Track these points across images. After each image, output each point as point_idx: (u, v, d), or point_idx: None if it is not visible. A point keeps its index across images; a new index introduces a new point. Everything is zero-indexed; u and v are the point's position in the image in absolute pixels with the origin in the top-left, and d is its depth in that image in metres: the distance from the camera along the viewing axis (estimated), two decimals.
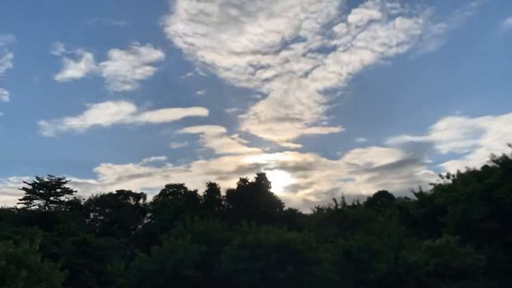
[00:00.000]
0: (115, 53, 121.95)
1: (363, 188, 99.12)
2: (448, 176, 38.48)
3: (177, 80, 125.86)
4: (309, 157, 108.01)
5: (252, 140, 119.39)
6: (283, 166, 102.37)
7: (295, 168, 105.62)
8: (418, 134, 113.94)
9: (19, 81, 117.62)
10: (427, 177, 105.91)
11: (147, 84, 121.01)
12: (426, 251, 27.99)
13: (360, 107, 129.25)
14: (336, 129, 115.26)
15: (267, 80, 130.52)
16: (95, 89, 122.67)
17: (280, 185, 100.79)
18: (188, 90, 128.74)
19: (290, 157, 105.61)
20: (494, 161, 35.14)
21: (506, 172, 33.15)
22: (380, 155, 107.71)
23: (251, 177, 55.39)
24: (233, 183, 56.51)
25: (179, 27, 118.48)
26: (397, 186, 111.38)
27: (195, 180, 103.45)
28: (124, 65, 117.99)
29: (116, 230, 55.30)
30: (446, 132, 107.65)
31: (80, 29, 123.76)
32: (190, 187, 62.18)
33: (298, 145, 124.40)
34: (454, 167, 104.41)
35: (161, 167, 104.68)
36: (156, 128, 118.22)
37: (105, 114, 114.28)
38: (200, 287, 28.09)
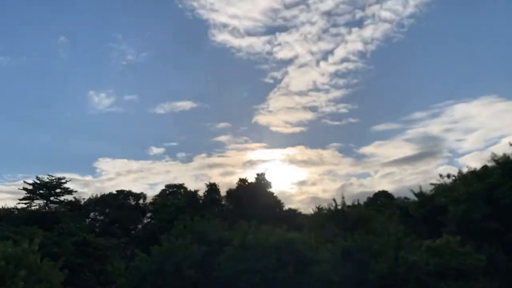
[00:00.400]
0: (118, 34, 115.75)
1: (378, 183, 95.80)
2: (448, 176, 38.58)
3: (186, 65, 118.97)
4: (322, 151, 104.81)
5: (262, 133, 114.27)
6: (293, 161, 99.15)
7: (306, 163, 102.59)
8: (442, 122, 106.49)
9: (9, 66, 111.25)
10: (445, 173, 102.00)
11: (151, 70, 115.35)
12: (426, 251, 27.93)
13: (381, 91, 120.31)
14: (352, 120, 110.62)
15: (282, 61, 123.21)
16: (95, 75, 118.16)
17: (288, 181, 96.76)
18: (196, 78, 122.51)
19: (300, 151, 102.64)
20: (494, 160, 35.10)
21: (507, 172, 33.09)
22: (398, 148, 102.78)
23: (251, 177, 55.53)
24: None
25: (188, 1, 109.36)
26: (413, 182, 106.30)
27: (197, 175, 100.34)
28: (128, 47, 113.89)
29: (116, 230, 55.44)
30: (475, 118, 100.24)
31: (79, 6, 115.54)
32: (193, 183, 62.13)
33: (310, 138, 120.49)
34: (479, 159, 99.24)
35: (161, 160, 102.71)
36: (159, 120, 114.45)
37: (105, 104, 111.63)
38: (200, 287, 28.07)
